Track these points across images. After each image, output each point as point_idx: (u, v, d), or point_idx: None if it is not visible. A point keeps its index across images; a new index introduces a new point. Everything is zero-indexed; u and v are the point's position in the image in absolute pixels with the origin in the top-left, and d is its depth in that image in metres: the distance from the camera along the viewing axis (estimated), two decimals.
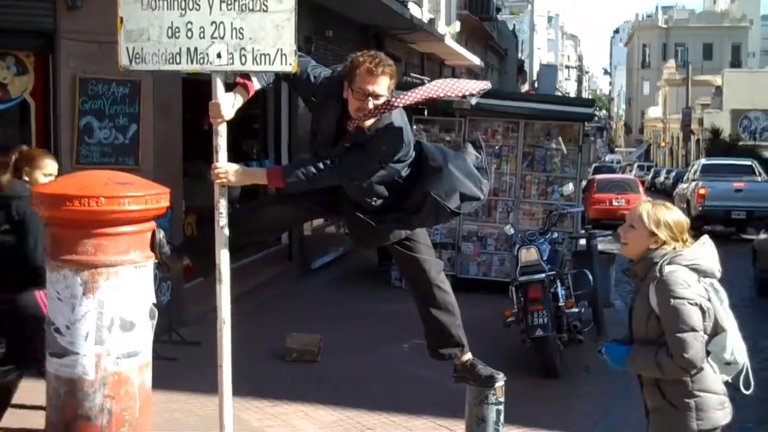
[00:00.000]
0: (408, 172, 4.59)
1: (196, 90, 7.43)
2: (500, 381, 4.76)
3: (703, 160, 28.37)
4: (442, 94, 4.44)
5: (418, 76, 19.91)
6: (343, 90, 4.38)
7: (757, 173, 24.86)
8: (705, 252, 3.93)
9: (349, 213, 4.67)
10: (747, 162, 26.66)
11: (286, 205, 4.75)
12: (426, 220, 4.71)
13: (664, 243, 3.88)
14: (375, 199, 4.59)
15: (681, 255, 3.86)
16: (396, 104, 4.27)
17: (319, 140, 4.57)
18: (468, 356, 4.86)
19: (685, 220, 3.98)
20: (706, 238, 4.02)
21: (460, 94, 4.66)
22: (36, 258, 5.03)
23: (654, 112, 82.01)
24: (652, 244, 3.89)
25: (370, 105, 4.27)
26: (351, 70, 4.34)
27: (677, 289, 3.75)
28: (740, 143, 52.03)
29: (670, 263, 3.82)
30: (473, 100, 11.51)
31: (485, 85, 4.74)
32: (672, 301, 3.74)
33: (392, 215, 4.61)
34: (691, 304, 3.74)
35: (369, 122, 4.36)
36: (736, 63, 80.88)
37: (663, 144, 74.53)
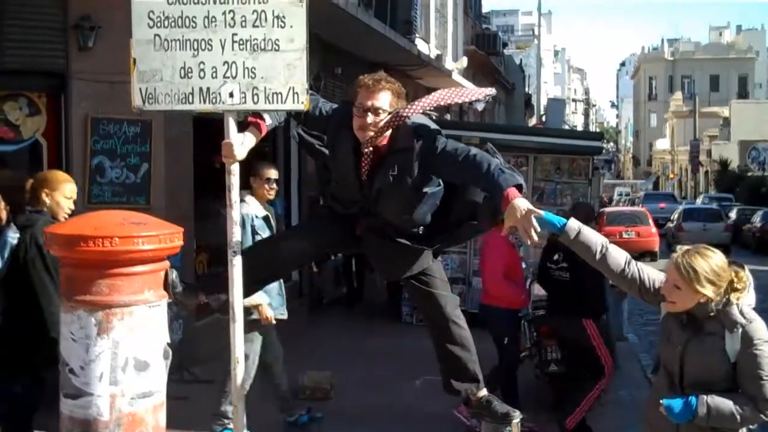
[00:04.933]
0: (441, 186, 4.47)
1: (207, 128, 7.47)
2: (516, 418, 4.72)
3: (684, 206, 35.34)
4: (450, 101, 4.41)
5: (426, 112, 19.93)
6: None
7: (723, 217, 31.11)
8: (753, 294, 3.99)
9: (376, 245, 4.57)
10: (716, 207, 33.75)
11: (304, 240, 4.73)
12: (481, 226, 4.57)
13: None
14: (420, 227, 4.48)
15: (748, 297, 3.92)
16: (404, 115, 4.21)
17: (337, 178, 4.51)
18: (484, 392, 4.82)
19: (722, 261, 3.90)
20: (750, 278, 3.99)
21: (468, 100, 4.60)
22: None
23: (662, 144, 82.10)
24: (701, 298, 3.86)
25: (369, 119, 4.20)
26: (354, 91, 4.33)
27: (764, 335, 3.83)
28: (749, 174, 51.94)
29: (747, 309, 3.87)
30: (480, 105, 11.61)
31: (491, 91, 4.70)
32: (760, 347, 3.81)
33: (440, 234, 4.51)
34: None
35: (383, 142, 4.28)
36: (743, 94, 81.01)
37: (672, 176, 74.48)
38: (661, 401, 3.91)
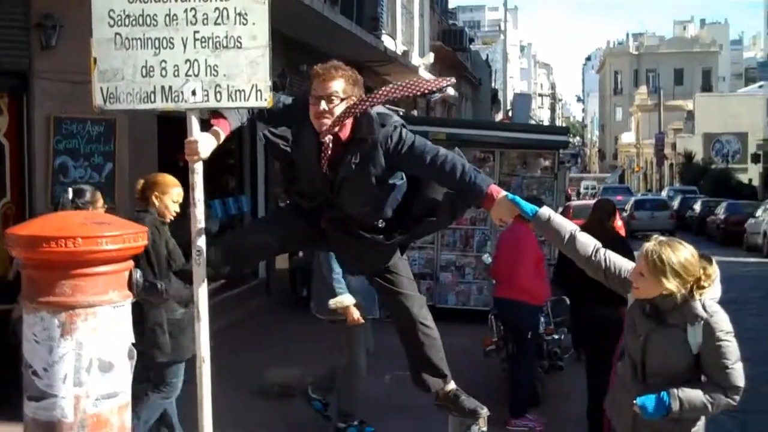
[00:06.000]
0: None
1: (171, 126, 7.44)
2: (483, 415, 4.74)
3: (635, 198, 39.23)
4: (409, 93, 4.41)
5: (392, 107, 19.98)
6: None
7: (669, 206, 35.03)
8: (719, 287, 4.06)
9: (341, 241, 4.57)
10: (663, 198, 39.33)
11: (269, 231, 4.69)
12: (440, 223, 4.61)
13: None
14: (381, 221, 4.47)
15: (713, 291, 3.98)
16: (361, 107, 4.21)
17: (301, 172, 4.51)
18: (451, 386, 4.84)
19: (692, 256, 3.96)
20: (717, 271, 4.06)
21: (427, 91, 4.56)
22: None
23: (627, 137, 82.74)
24: (664, 290, 3.92)
25: (322, 107, 4.19)
26: (310, 82, 4.32)
27: (726, 327, 3.92)
28: (713, 166, 52.51)
29: (709, 303, 3.94)
30: (439, 96, 11.64)
31: (451, 81, 4.69)
32: (723, 338, 3.89)
33: (399, 229, 4.49)
34: (733, 336, 3.94)
35: (345, 132, 4.28)
36: (707, 87, 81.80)
37: (637, 169, 75.08)
38: (634, 401, 3.96)
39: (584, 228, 7.51)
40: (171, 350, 5.74)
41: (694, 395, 3.92)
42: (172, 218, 5.86)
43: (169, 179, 5.93)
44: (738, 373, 3.92)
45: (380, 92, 4.28)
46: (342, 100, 4.23)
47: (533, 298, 7.79)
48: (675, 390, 3.93)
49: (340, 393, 7.09)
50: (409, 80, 4.47)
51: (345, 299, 6.60)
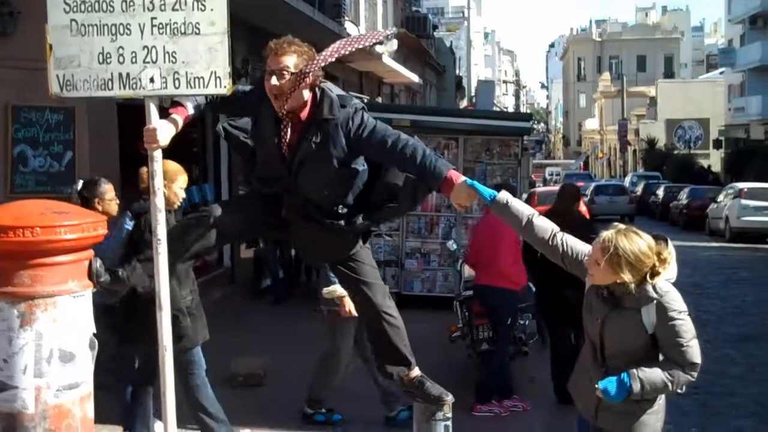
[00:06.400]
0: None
1: (132, 114, 7.37)
2: (448, 402, 4.75)
3: (594, 183, 40.60)
4: (351, 49, 4.40)
5: (356, 94, 19.95)
6: None
7: (627, 192, 36.48)
8: (675, 267, 4.11)
9: (302, 229, 4.54)
10: (621, 184, 41.57)
11: (230, 214, 4.64)
12: (402, 208, 4.64)
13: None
14: (341, 206, 4.44)
15: (668, 272, 4.04)
16: (307, 71, 4.19)
17: (261, 156, 4.49)
18: (416, 372, 4.84)
19: (647, 247, 3.99)
20: (673, 252, 4.10)
21: (368, 44, 4.57)
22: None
23: (591, 123, 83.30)
24: (618, 279, 3.98)
25: (273, 81, 4.18)
26: (266, 57, 4.30)
27: (679, 306, 3.97)
28: (675, 152, 53.01)
29: (661, 284, 3.99)
30: (381, 48, 11.56)
31: (392, 30, 4.71)
32: (676, 317, 3.95)
33: (360, 215, 4.47)
34: (687, 314, 3.99)
35: (305, 112, 4.29)
36: (669, 74, 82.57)
37: (601, 155, 75.67)
38: (596, 385, 4.00)
39: (551, 212, 7.68)
40: (193, 334, 5.88)
41: (654, 374, 3.97)
42: (180, 205, 5.89)
43: (175, 167, 5.89)
44: (694, 350, 3.97)
45: (322, 55, 4.27)
46: (293, 75, 4.21)
47: (513, 283, 7.84)
48: (634, 371, 3.97)
49: (315, 378, 7.08)
50: (348, 38, 4.48)
51: (338, 288, 6.50)
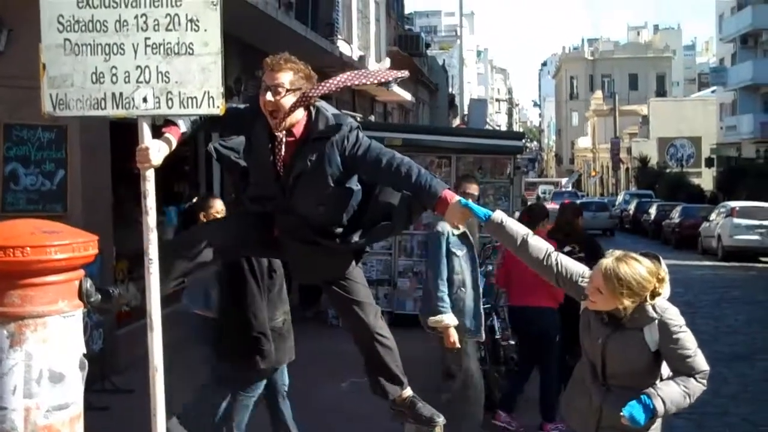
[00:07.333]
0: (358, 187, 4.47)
1: (125, 133, 7.36)
2: (440, 423, 4.73)
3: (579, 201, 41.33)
4: (358, 83, 4.41)
5: (350, 113, 19.99)
6: None
7: (609, 208, 40.72)
8: (668, 286, 4.18)
9: (294, 248, 4.53)
10: (603, 201, 45.61)
11: (219, 232, 4.63)
12: (396, 227, 4.62)
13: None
14: (335, 226, 4.43)
15: (664, 294, 4.10)
16: (311, 95, 4.21)
17: (254, 176, 4.48)
18: (408, 392, 4.83)
19: (648, 272, 4.02)
20: (666, 272, 4.15)
21: (376, 81, 4.55)
22: None
23: (583, 142, 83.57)
24: (620, 305, 4.01)
25: (269, 97, 4.19)
26: (262, 73, 4.32)
27: (679, 320, 4.04)
28: (668, 170, 53.17)
29: (659, 302, 4.05)
30: (393, 87, 11.62)
31: (402, 73, 4.62)
32: (678, 332, 4.01)
33: (355, 234, 4.46)
34: (686, 326, 4.06)
35: (300, 130, 4.29)
36: (661, 92, 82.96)
37: (593, 173, 75.85)
38: (622, 413, 3.96)
39: (555, 228, 7.70)
40: (273, 358, 5.92)
41: (671, 390, 4.00)
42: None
43: (210, 197, 6.34)
44: (701, 359, 4.05)
45: (329, 83, 4.27)
46: (289, 92, 4.22)
47: (555, 302, 7.64)
48: (653, 390, 3.99)
49: (464, 418, 6.80)
50: (363, 70, 4.48)
51: (446, 319, 6.44)
